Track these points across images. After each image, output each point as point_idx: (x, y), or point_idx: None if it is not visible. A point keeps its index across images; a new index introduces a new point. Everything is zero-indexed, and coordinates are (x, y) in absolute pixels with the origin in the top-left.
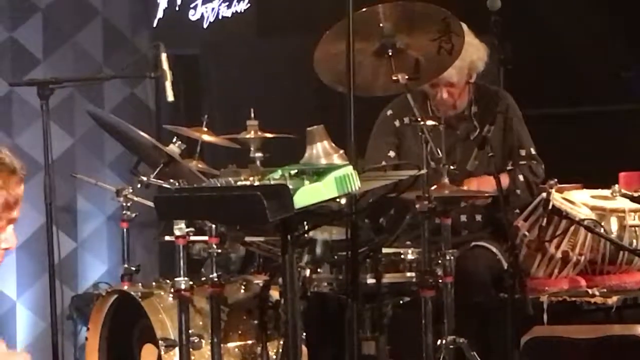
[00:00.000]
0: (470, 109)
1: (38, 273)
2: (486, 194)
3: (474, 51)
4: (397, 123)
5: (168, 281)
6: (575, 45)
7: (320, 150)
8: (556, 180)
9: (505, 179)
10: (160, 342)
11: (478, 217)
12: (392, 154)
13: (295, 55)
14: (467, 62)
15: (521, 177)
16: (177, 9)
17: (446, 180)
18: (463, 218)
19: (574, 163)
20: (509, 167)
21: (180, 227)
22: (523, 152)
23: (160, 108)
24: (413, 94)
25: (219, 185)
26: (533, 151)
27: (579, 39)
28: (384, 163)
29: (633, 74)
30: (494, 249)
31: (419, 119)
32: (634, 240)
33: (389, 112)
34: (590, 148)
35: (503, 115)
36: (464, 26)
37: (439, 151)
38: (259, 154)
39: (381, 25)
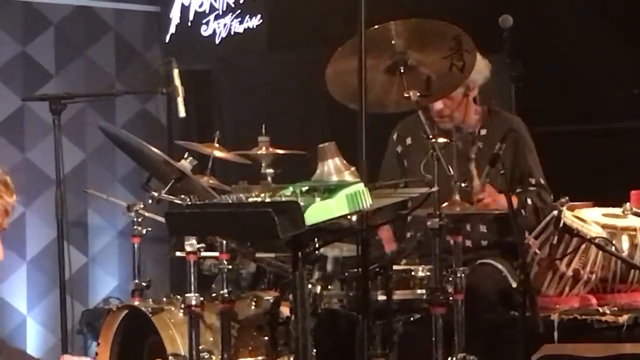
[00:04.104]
0: (479, 130)
1: (48, 287)
2: (496, 212)
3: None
4: (399, 149)
5: (179, 297)
6: (587, 62)
7: (332, 167)
8: (567, 198)
9: (514, 200)
10: (170, 358)
11: (484, 243)
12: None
13: (307, 71)
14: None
15: (529, 201)
16: (189, 24)
17: (457, 197)
18: (468, 243)
19: (585, 181)
20: (518, 190)
21: (191, 243)
22: (533, 181)
23: (171, 123)
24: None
25: (230, 201)
26: (542, 181)
27: (591, 56)
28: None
29: None
30: (501, 267)
31: (431, 136)
32: None
33: (395, 135)
34: (602, 166)
35: (515, 135)
36: None
37: (450, 169)
38: (270, 170)
39: (393, 42)
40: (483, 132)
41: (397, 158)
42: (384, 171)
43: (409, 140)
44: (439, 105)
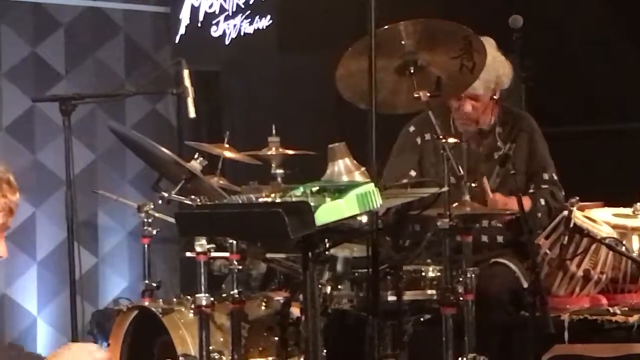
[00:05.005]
0: (495, 128)
1: (59, 288)
2: (507, 212)
3: (500, 66)
4: (418, 140)
5: (189, 297)
6: (597, 62)
7: (342, 167)
8: (578, 198)
9: (527, 202)
10: (180, 358)
11: (500, 239)
12: (413, 173)
13: (316, 71)
14: (494, 76)
15: (543, 201)
16: (199, 25)
17: (467, 197)
18: (484, 238)
19: (595, 181)
20: (531, 191)
21: (201, 244)
22: (546, 176)
23: (181, 124)
24: (436, 110)
25: (240, 201)
26: (555, 177)
27: (601, 56)
28: (404, 181)
29: None
30: (513, 266)
31: (441, 136)
32: None
33: (412, 128)
34: (612, 166)
35: (528, 135)
36: (491, 41)
37: (460, 168)
38: (280, 171)
39: (403, 42)
40: (499, 129)
41: (417, 151)
42: (398, 164)
43: (427, 136)
44: (468, 108)
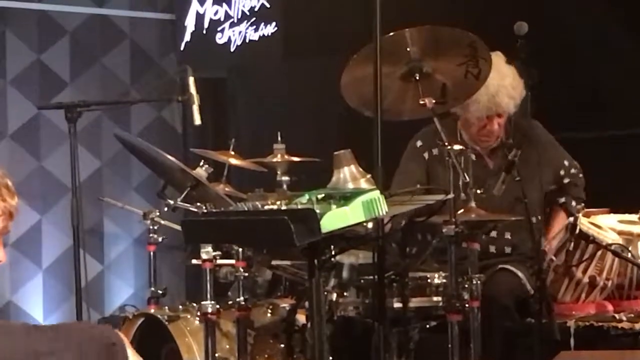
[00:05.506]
0: (503, 140)
1: (65, 296)
2: (512, 218)
3: (520, 83)
4: (426, 155)
5: (195, 304)
6: (603, 68)
7: (348, 174)
8: (583, 204)
9: (563, 216)
10: None
11: (508, 250)
12: (419, 186)
13: (322, 78)
14: (518, 92)
15: (574, 203)
16: (204, 32)
17: (473, 204)
18: (492, 249)
19: (601, 187)
20: (562, 201)
21: (207, 251)
22: (563, 172)
23: (187, 131)
24: (443, 124)
25: (246, 209)
26: (566, 162)
27: (607, 62)
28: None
29: None
30: (519, 273)
31: (446, 143)
32: None
33: (419, 143)
34: (618, 172)
35: (536, 146)
36: (501, 55)
37: (466, 175)
38: (285, 178)
39: (408, 49)
40: (508, 140)
41: (424, 165)
42: (407, 176)
43: (435, 151)
44: (496, 126)
